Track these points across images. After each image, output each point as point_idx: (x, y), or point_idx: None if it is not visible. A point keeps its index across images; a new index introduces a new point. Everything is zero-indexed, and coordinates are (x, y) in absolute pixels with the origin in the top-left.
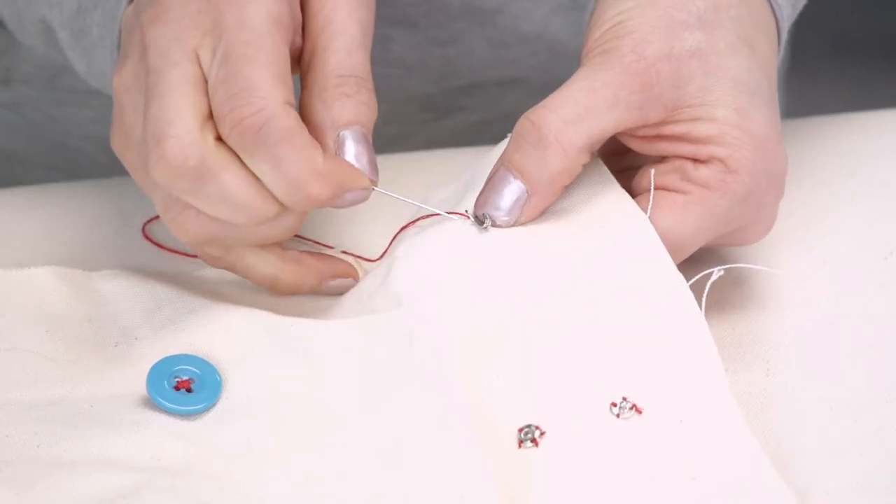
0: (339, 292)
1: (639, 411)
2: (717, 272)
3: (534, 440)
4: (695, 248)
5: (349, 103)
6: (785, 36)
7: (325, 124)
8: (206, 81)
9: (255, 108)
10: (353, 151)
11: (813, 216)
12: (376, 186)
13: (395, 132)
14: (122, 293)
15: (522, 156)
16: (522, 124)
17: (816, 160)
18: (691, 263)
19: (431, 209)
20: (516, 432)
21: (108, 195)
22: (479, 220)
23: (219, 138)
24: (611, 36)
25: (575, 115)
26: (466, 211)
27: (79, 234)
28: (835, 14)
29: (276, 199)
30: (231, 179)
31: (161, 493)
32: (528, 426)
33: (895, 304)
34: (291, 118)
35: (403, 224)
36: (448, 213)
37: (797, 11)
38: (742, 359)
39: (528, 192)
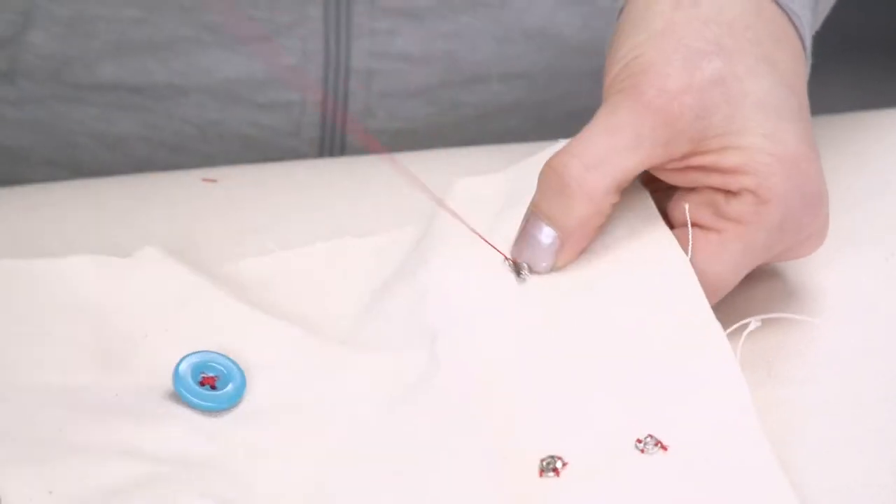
0: None
1: (664, 448)
2: (754, 323)
3: (555, 469)
4: (735, 283)
5: None
6: (810, 43)
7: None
8: None
9: None
10: None
11: None
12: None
13: (399, 127)
14: (156, 281)
15: (549, 203)
16: (545, 171)
17: (821, 159)
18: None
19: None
20: (538, 461)
21: (112, 194)
22: (517, 270)
23: None
24: (627, 73)
25: (596, 159)
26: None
27: (80, 233)
28: (840, 12)
29: None
30: None
31: (176, 486)
32: (551, 457)
33: (895, 304)
34: None
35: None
36: (492, 246)
37: (821, 18)
38: (744, 358)
39: (559, 238)
